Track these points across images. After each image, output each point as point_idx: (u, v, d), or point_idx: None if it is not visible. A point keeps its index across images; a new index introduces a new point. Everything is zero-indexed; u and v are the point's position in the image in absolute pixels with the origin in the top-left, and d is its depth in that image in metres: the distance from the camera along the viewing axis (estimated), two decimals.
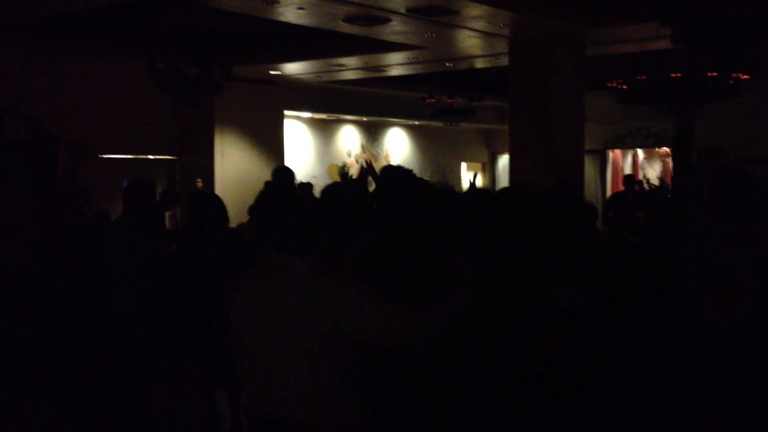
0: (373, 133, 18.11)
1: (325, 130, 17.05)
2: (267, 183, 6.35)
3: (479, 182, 5.55)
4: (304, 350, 2.68)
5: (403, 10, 8.62)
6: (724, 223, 4.13)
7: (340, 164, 17.26)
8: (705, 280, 3.84)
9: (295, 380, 2.70)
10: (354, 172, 17.11)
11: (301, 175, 14.40)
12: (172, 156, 14.14)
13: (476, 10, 8.71)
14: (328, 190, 4.08)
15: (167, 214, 10.83)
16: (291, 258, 2.82)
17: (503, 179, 19.93)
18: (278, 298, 2.75)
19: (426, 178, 16.28)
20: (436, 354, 3.47)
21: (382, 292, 2.86)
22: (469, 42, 10.67)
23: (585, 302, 2.69)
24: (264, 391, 2.80)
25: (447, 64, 12.87)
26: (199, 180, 13.25)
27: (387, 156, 18.42)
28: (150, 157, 13.76)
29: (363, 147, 17.89)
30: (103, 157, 12.57)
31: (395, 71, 13.75)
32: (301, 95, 15.11)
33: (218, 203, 5.49)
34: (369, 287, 2.85)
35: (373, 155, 17.91)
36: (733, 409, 3.35)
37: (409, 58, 12.19)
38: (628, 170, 18.50)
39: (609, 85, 10.55)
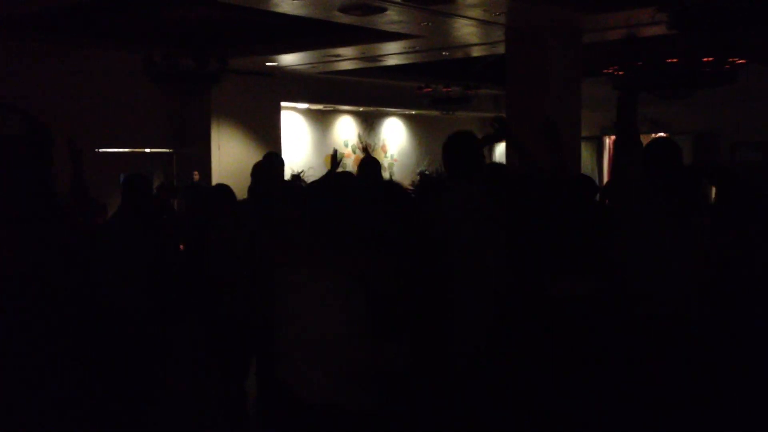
0: (369, 122, 18.10)
1: (321, 120, 17.04)
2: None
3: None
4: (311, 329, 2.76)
5: (398, 0, 8.61)
6: (665, 203, 4.09)
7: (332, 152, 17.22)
8: (642, 266, 3.79)
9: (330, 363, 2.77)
10: (350, 162, 17.12)
11: (298, 165, 14.39)
12: (168, 149, 14.13)
13: None
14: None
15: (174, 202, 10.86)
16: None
17: None
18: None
19: (424, 167, 16.36)
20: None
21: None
22: (465, 30, 10.65)
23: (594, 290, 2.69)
24: (285, 360, 2.86)
25: (443, 53, 12.85)
26: (196, 172, 13.25)
27: (384, 146, 18.41)
28: (146, 150, 13.75)
29: (360, 137, 17.89)
30: (100, 151, 12.56)
31: (391, 61, 13.73)
32: (298, 86, 15.09)
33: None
34: None
35: (370, 145, 17.91)
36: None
37: (405, 48, 12.17)
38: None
39: (605, 71, 10.55)
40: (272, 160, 5.87)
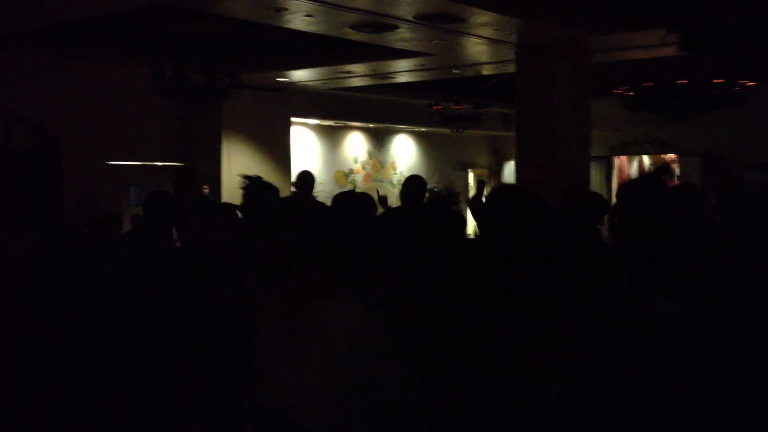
0: (379, 139, 18.13)
1: (331, 136, 17.08)
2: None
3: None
4: (326, 367, 2.74)
5: (410, 18, 8.65)
6: None
7: (347, 171, 17.28)
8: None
9: (313, 387, 2.76)
10: (360, 179, 17.16)
11: None
12: (178, 163, 14.18)
13: (483, 17, 8.74)
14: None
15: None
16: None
17: None
18: (309, 309, 2.81)
19: (433, 184, 16.38)
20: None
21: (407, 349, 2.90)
22: (476, 49, 10.69)
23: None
24: (279, 390, 2.85)
25: (454, 71, 12.89)
26: (206, 186, 13.29)
27: (393, 162, 18.44)
28: (157, 163, 13.80)
29: (370, 153, 17.93)
30: (111, 164, 12.62)
31: (402, 78, 13.78)
32: (308, 102, 15.14)
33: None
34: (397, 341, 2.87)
35: (379, 162, 17.96)
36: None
37: (416, 65, 12.22)
38: (634, 177, 18.49)
39: (615, 91, 10.57)
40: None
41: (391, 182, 17.99)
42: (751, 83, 9.59)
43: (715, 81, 9.42)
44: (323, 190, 13.05)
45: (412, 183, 6.35)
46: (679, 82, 9.53)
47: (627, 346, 2.58)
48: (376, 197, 4.83)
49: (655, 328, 2.58)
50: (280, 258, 3.61)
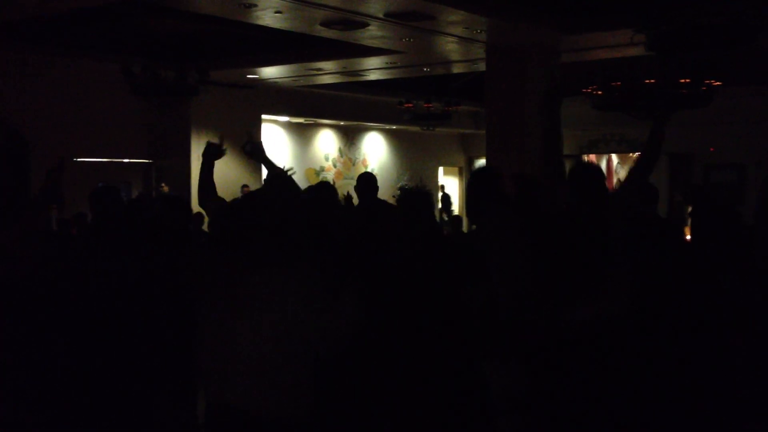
0: (350, 137, 18.12)
1: (302, 134, 17.04)
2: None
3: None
4: (264, 340, 2.83)
5: (381, 15, 8.66)
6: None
7: (318, 168, 17.27)
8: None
9: (252, 369, 2.85)
10: (330, 176, 17.14)
11: None
12: (147, 159, 14.08)
13: (454, 16, 8.77)
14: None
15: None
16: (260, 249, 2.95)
17: None
18: (242, 288, 2.90)
19: (404, 181, 16.42)
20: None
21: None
22: (446, 47, 10.73)
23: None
24: (224, 379, 2.92)
25: (424, 69, 12.92)
26: (164, 184, 13.18)
27: (364, 160, 18.45)
28: (125, 160, 13.69)
29: (341, 151, 17.91)
30: (78, 161, 12.49)
31: (373, 76, 13.79)
32: (279, 99, 15.09)
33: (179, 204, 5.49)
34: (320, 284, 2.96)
35: (350, 159, 17.96)
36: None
37: (386, 63, 12.23)
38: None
39: (584, 91, 10.64)
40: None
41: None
42: (716, 83, 9.70)
43: (681, 81, 9.52)
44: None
45: (366, 179, 6.46)
46: (646, 81, 9.62)
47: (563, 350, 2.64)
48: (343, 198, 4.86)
49: (583, 331, 2.65)
50: (214, 239, 3.71)
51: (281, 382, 2.85)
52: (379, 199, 6.59)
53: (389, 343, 3.91)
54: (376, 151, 18.82)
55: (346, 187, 6.12)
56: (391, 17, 8.75)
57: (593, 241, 3.68)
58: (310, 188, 4.18)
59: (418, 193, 4.10)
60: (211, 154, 4.89)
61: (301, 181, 16.22)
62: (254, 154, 4.56)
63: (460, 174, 20.95)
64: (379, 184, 6.52)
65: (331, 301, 2.94)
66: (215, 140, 4.84)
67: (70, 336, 4.80)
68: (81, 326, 4.79)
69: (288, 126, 16.63)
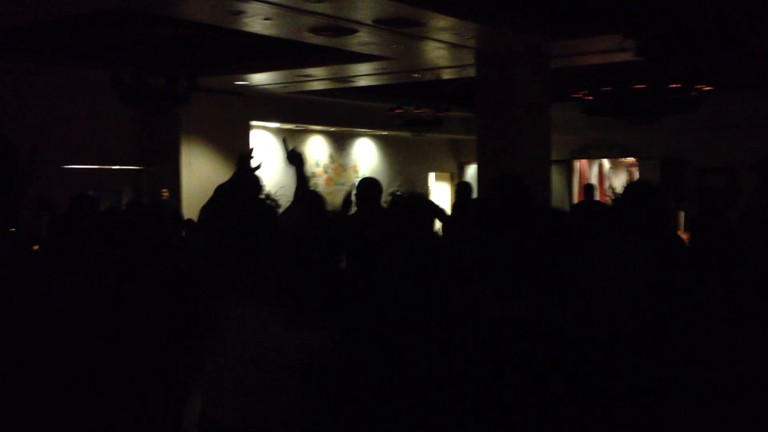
0: (341, 143, 18.10)
1: (293, 140, 16.99)
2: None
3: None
4: (243, 361, 2.84)
5: (369, 21, 8.63)
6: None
7: (309, 174, 17.22)
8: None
9: (238, 386, 2.86)
10: (322, 182, 17.10)
11: (268, 185, 14.34)
12: (137, 166, 14.03)
13: (443, 22, 8.75)
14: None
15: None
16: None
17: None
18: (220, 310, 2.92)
19: (395, 188, 16.39)
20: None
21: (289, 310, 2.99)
22: (436, 53, 10.71)
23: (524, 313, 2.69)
24: (212, 397, 2.95)
25: (414, 75, 12.90)
26: (165, 190, 13.15)
27: (355, 166, 18.43)
28: (115, 167, 13.63)
29: (331, 157, 17.88)
30: (67, 168, 12.43)
31: (363, 82, 13.77)
32: (268, 105, 15.07)
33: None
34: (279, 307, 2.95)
35: (341, 165, 17.94)
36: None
37: (376, 69, 12.21)
38: (594, 180, 18.70)
39: (574, 96, 10.65)
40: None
41: (353, 186, 17.96)
42: (707, 88, 9.72)
43: (671, 86, 9.53)
44: (284, 194, 12.96)
45: (365, 186, 6.37)
46: (637, 86, 9.63)
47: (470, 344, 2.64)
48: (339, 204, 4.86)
49: (500, 328, 2.65)
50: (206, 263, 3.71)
51: (268, 399, 2.84)
52: (381, 207, 6.49)
53: (380, 351, 3.89)
54: (366, 157, 18.81)
55: (337, 193, 6.07)
56: (380, 23, 8.72)
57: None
58: (298, 200, 4.16)
59: (418, 201, 4.09)
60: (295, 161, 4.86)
61: (292, 187, 16.17)
62: (295, 161, 4.54)
63: (452, 179, 20.95)
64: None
65: (314, 318, 2.93)
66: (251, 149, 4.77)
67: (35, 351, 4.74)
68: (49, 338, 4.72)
69: (278, 132, 16.59)
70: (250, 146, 5.78)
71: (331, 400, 3.72)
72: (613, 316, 3.64)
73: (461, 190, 8.68)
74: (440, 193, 20.29)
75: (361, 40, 9.62)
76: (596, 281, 3.74)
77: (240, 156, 4.46)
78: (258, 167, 4.52)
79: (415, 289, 3.88)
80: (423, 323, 3.79)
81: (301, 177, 4.32)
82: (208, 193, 4.58)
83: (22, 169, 4.47)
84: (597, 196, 14.96)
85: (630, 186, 5.03)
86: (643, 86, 9.67)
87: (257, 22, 8.58)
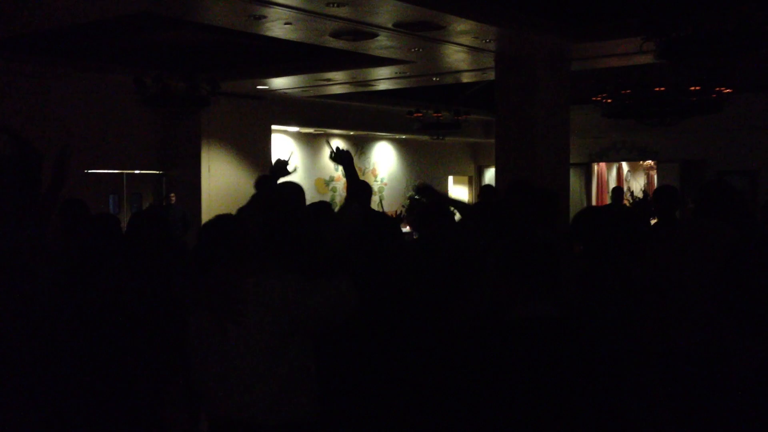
0: (360, 146, 18.14)
1: (312, 144, 17.08)
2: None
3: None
4: (263, 349, 2.81)
5: (390, 26, 8.67)
6: None
7: (327, 178, 17.29)
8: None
9: (254, 381, 2.82)
10: (340, 186, 17.14)
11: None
12: (158, 171, 14.13)
13: (463, 26, 8.77)
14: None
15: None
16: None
17: None
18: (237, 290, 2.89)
19: (414, 192, 16.40)
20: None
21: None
22: (455, 57, 10.73)
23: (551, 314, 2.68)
24: (222, 393, 2.90)
25: (434, 79, 12.93)
26: (173, 194, 13.20)
27: (374, 170, 18.46)
28: (136, 172, 13.74)
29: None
30: (89, 172, 12.55)
31: (382, 85, 13.81)
32: (289, 109, 15.13)
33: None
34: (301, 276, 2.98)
35: (360, 169, 17.98)
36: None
37: (396, 73, 12.25)
38: (613, 183, 18.63)
39: (594, 99, 10.64)
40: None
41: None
42: (727, 90, 9.69)
43: (691, 88, 9.51)
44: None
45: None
46: (657, 89, 9.61)
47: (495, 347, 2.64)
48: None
49: (521, 329, 2.64)
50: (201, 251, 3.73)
51: (280, 390, 2.82)
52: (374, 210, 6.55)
53: (391, 341, 3.91)
54: (385, 161, 18.84)
55: None
56: (401, 28, 8.76)
57: None
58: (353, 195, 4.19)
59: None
60: (279, 172, 4.88)
61: (310, 191, 16.24)
62: (343, 160, 4.55)
63: (470, 183, 20.94)
64: (388, 193, 6.54)
65: (322, 281, 2.96)
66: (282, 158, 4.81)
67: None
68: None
69: (298, 136, 16.66)
70: (289, 152, 5.81)
71: (344, 390, 3.72)
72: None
73: (485, 193, 8.69)
74: (460, 195, 20.28)
75: (382, 44, 9.66)
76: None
77: (276, 163, 4.50)
78: (292, 172, 4.55)
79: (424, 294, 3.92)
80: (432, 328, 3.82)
81: (351, 174, 4.34)
82: (228, 197, 4.64)
83: (54, 173, 4.45)
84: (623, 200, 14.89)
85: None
86: (663, 89, 9.65)
87: (278, 26, 8.64)
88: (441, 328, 3.90)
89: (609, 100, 10.32)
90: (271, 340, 2.82)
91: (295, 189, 3.97)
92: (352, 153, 4.40)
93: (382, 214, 6.74)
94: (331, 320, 2.99)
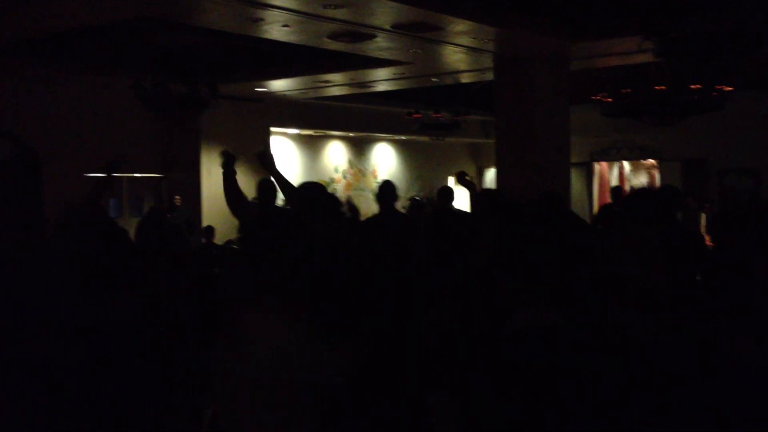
0: (360, 148, 18.13)
1: (312, 146, 17.06)
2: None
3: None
4: (264, 376, 2.78)
5: (388, 27, 8.65)
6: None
7: (328, 180, 17.28)
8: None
9: (257, 402, 2.80)
10: (340, 188, 17.12)
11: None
12: (158, 174, 14.12)
13: (461, 26, 8.75)
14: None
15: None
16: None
17: None
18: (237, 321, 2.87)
19: (414, 192, 16.42)
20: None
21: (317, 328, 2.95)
22: (454, 57, 10.71)
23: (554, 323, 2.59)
24: (230, 411, 2.89)
25: (433, 80, 12.91)
26: (178, 197, 13.19)
27: (374, 171, 18.45)
28: (136, 175, 13.72)
29: (350, 162, 17.92)
30: (89, 176, 12.51)
31: (381, 87, 13.79)
32: (288, 112, 15.12)
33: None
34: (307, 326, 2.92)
35: (360, 171, 17.96)
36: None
37: (395, 74, 12.23)
38: (614, 182, 18.61)
39: (594, 98, 10.62)
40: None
41: (372, 191, 17.99)
42: (728, 89, 9.66)
43: (692, 87, 9.49)
44: None
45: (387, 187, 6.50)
46: (657, 88, 9.59)
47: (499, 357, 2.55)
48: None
49: (524, 337, 2.54)
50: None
51: (283, 413, 2.79)
52: (395, 210, 6.57)
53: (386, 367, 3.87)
54: (385, 162, 18.83)
55: (357, 199, 6.12)
56: (399, 29, 8.74)
57: None
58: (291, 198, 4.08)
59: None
60: (228, 163, 4.89)
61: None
62: (264, 162, 4.55)
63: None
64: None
65: (338, 335, 2.92)
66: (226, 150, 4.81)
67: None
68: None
69: (297, 138, 16.64)
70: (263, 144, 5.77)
71: (346, 413, 3.69)
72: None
73: (442, 195, 8.70)
74: (461, 197, 20.24)
75: (380, 45, 9.64)
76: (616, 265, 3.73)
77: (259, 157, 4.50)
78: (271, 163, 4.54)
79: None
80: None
81: (278, 176, 4.32)
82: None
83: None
84: None
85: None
86: (663, 87, 9.63)
87: (276, 29, 8.63)
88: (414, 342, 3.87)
89: (609, 99, 10.31)
90: (270, 369, 2.81)
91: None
92: (353, 154, 4.37)
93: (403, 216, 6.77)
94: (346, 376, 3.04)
